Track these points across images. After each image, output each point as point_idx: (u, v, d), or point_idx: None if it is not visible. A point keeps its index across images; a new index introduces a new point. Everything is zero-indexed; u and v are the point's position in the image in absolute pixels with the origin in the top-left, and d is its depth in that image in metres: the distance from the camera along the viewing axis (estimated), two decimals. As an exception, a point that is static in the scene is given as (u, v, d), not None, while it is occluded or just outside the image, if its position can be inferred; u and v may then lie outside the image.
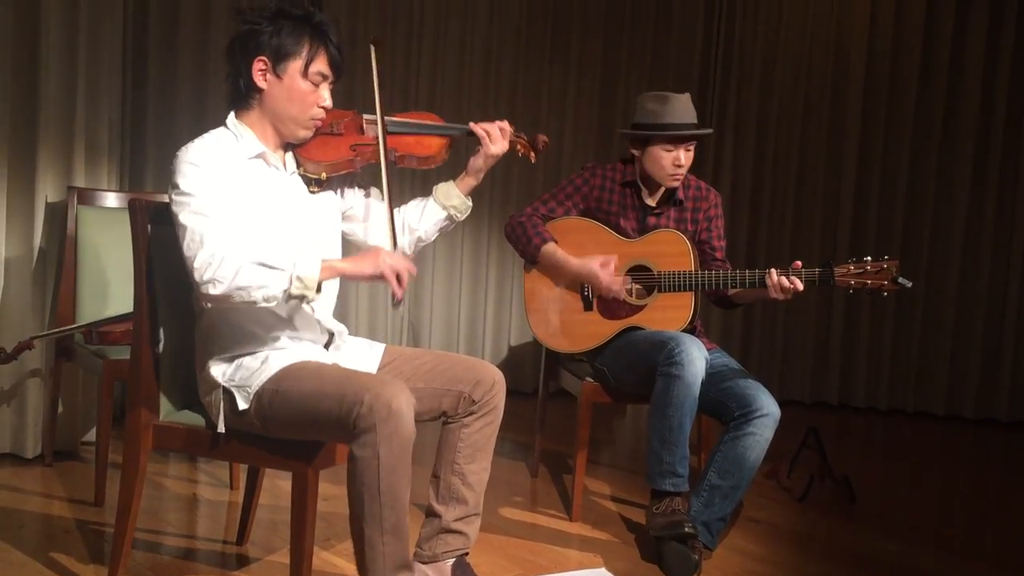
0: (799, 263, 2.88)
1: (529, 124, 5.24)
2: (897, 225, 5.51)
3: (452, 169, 2.47)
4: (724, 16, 5.52)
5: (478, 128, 2.40)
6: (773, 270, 2.88)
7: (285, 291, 2.04)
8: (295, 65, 2.17)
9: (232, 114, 2.25)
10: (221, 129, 2.23)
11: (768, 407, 2.83)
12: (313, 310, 2.26)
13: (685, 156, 3.10)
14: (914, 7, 5.44)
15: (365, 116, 2.34)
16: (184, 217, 2.06)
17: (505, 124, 2.42)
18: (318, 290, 2.07)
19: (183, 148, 2.14)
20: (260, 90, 2.19)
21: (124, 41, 3.88)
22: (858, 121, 5.51)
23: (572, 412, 3.29)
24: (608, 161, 3.32)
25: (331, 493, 3.06)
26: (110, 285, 3.40)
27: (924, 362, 5.54)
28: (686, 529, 2.75)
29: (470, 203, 2.45)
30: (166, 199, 2.14)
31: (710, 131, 3.13)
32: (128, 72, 4.10)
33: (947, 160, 5.47)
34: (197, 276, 2.03)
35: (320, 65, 2.19)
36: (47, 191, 3.46)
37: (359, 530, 2.04)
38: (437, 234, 2.47)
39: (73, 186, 3.46)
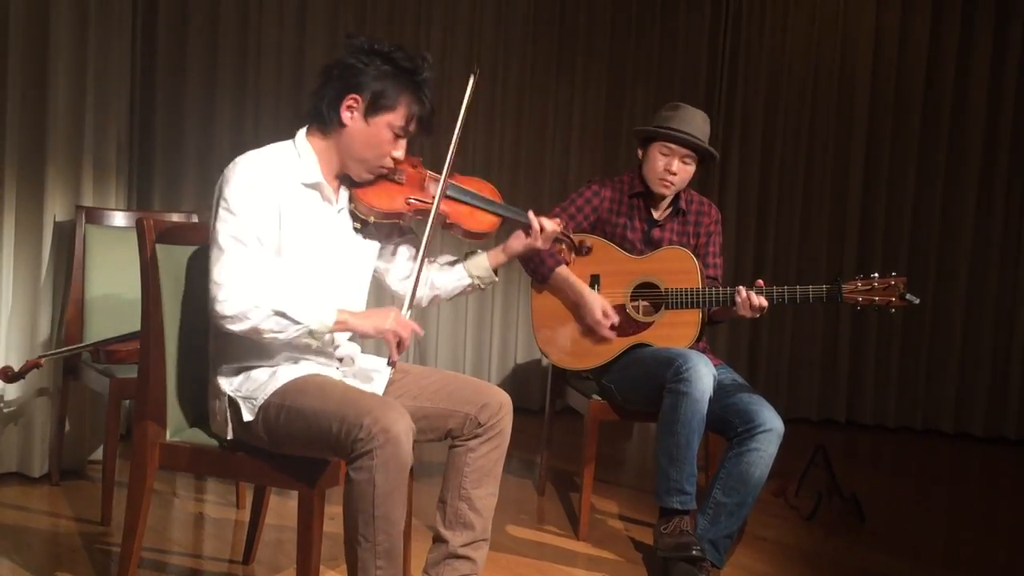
0: (761, 281, 2.92)
1: (535, 137, 5.27)
2: (904, 241, 5.50)
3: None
4: (729, 32, 5.53)
5: (534, 220, 2.39)
6: (742, 287, 2.91)
7: (295, 339, 2.12)
8: (387, 118, 2.17)
9: (303, 131, 2.24)
10: (287, 143, 2.22)
11: (771, 422, 2.83)
12: (334, 339, 2.28)
13: (680, 167, 3.09)
14: (919, 22, 5.45)
15: (429, 173, 2.32)
16: (223, 238, 2.08)
17: (555, 223, 2.41)
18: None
19: (244, 156, 2.14)
20: (343, 125, 2.18)
21: (132, 60, 3.91)
22: (863, 138, 5.51)
23: (579, 430, 3.28)
24: (615, 174, 3.32)
25: (337, 512, 3.03)
26: (117, 304, 3.40)
27: (932, 379, 5.51)
28: (694, 551, 2.74)
29: (496, 279, 2.47)
30: (174, 218, 2.16)
31: (708, 148, 3.09)
32: (136, 91, 4.13)
33: (953, 175, 5.46)
34: (219, 307, 2.06)
35: (410, 124, 2.20)
36: (55, 210, 3.47)
37: (353, 553, 2.05)
38: (454, 296, 2.49)
39: (81, 205, 3.47)
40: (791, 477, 3.73)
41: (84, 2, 3.46)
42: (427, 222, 2.27)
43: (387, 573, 2.03)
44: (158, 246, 2.26)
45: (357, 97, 2.16)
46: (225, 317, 2.06)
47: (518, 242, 2.42)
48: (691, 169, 3.12)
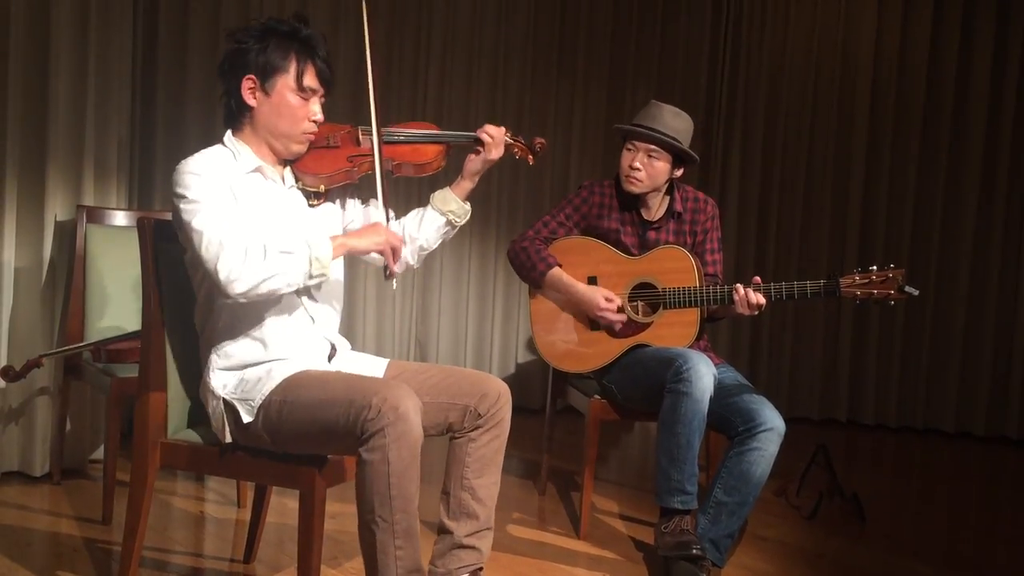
0: (758, 278, 2.91)
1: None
2: (905, 242, 5.50)
3: (451, 178, 2.48)
4: (730, 33, 5.53)
5: (481, 132, 2.40)
6: (739, 285, 2.90)
7: (306, 272, 2.09)
8: (283, 81, 2.20)
9: (228, 132, 2.27)
10: (218, 147, 2.25)
11: (772, 421, 2.83)
12: (313, 320, 2.28)
13: (645, 162, 3.07)
14: (919, 22, 5.45)
15: (361, 128, 2.36)
16: (198, 222, 2.07)
17: (500, 129, 2.42)
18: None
19: (182, 162, 2.16)
20: (251, 108, 2.22)
21: (133, 60, 3.91)
22: (864, 139, 5.52)
23: (580, 429, 3.28)
24: (613, 176, 3.31)
25: (338, 511, 3.05)
26: (118, 303, 3.40)
27: (933, 379, 5.51)
28: (694, 550, 2.74)
29: (468, 207, 2.45)
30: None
31: (667, 138, 3.03)
32: (137, 91, 4.13)
33: (954, 175, 5.47)
34: (223, 276, 2.04)
35: (308, 80, 2.21)
36: (56, 209, 3.47)
37: (370, 536, 2.03)
38: (439, 241, 2.47)
39: (82, 204, 3.48)
40: (792, 477, 3.73)
41: (85, 1, 3.47)
42: (376, 172, 2.29)
43: (406, 553, 2.03)
44: (159, 245, 2.27)
45: (251, 76, 2.19)
46: (232, 282, 2.03)
47: (474, 160, 2.42)
48: (660, 164, 3.08)
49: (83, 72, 3.49)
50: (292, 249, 2.08)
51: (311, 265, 2.09)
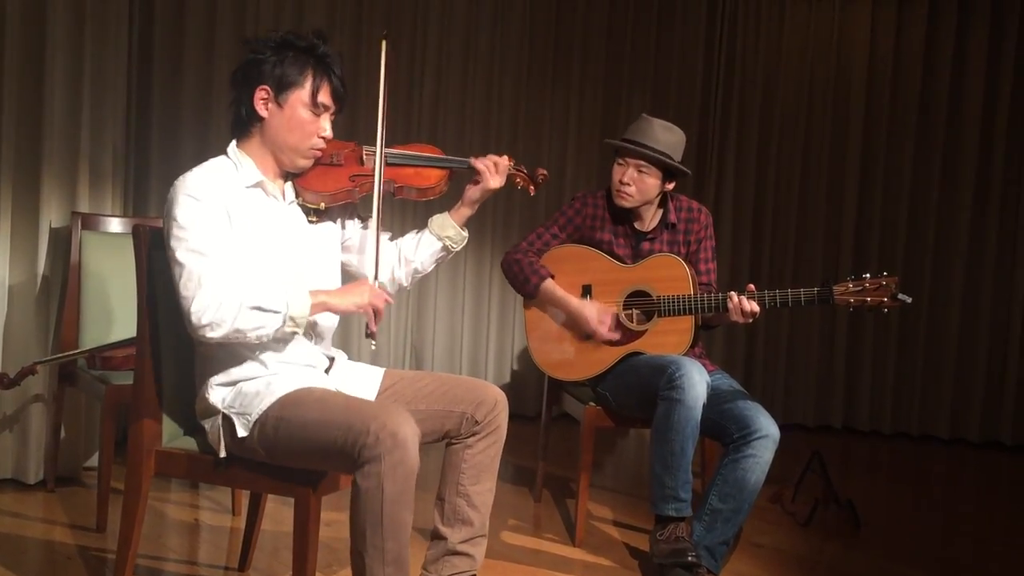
0: (752, 286, 2.92)
1: (531, 149, 5.26)
2: (899, 249, 5.51)
3: (452, 200, 2.48)
4: (725, 38, 5.54)
5: (478, 163, 2.41)
6: (733, 293, 2.90)
7: (278, 329, 2.11)
8: (296, 95, 2.20)
9: (233, 142, 2.27)
10: (221, 158, 2.25)
11: (767, 428, 2.83)
12: (313, 336, 2.28)
13: (635, 177, 3.08)
14: (914, 33, 5.46)
15: (365, 148, 2.36)
16: (181, 254, 2.08)
17: (504, 159, 2.43)
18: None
19: (181, 178, 2.15)
20: (261, 119, 2.22)
21: (128, 66, 3.91)
22: (859, 146, 5.52)
23: (575, 436, 3.28)
24: (609, 182, 3.31)
25: (333, 519, 3.04)
26: (113, 310, 3.40)
27: (928, 385, 5.51)
28: (689, 557, 2.74)
29: (465, 234, 2.46)
30: None
31: (656, 154, 3.04)
32: (132, 97, 4.12)
33: (949, 182, 5.48)
34: (195, 319, 2.06)
35: (322, 96, 2.21)
36: (51, 216, 3.47)
37: (360, 562, 2.04)
38: (434, 265, 2.48)
39: (77, 211, 3.47)
40: (787, 483, 3.73)
41: (80, 7, 3.47)
42: (375, 193, 2.29)
43: None
44: (154, 252, 2.26)
45: (265, 87, 2.19)
46: (203, 327, 2.06)
47: (474, 189, 2.43)
48: (650, 180, 3.09)
49: (78, 77, 3.48)
50: (269, 307, 2.08)
51: (284, 323, 2.10)
